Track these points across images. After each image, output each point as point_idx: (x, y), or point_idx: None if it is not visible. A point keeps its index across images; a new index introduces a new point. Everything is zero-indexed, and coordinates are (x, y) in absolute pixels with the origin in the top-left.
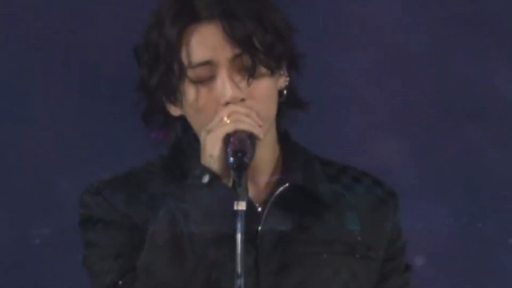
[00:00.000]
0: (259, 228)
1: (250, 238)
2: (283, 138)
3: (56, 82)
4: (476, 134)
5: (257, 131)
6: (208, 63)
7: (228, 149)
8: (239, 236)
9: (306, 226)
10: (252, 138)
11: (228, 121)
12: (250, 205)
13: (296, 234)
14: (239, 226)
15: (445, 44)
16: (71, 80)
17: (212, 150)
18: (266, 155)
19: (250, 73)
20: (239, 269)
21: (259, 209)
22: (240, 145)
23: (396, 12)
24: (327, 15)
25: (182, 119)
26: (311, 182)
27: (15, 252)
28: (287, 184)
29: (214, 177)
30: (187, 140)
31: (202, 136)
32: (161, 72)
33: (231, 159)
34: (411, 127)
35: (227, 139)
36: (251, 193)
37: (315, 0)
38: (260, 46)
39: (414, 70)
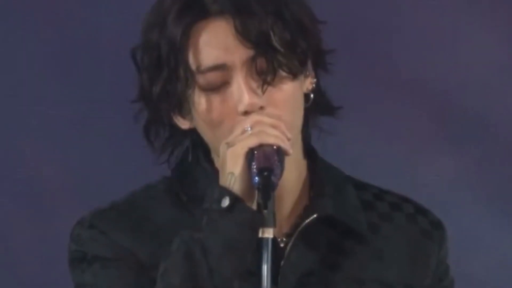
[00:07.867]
0: (281, 264)
1: (271, 276)
2: (310, 154)
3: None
4: None
5: (285, 145)
6: (220, 67)
7: (253, 167)
8: (265, 268)
9: (336, 262)
10: (280, 153)
11: (251, 134)
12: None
13: (323, 272)
14: (265, 256)
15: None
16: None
17: (233, 168)
18: (291, 174)
19: (266, 79)
20: None
21: (282, 244)
22: (266, 162)
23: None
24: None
25: (192, 133)
26: (343, 211)
27: None
28: (315, 215)
29: (236, 199)
30: (195, 159)
31: (221, 151)
32: (164, 79)
33: (256, 178)
34: (462, 143)
35: (251, 154)
36: None
37: None
38: (278, 45)
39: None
